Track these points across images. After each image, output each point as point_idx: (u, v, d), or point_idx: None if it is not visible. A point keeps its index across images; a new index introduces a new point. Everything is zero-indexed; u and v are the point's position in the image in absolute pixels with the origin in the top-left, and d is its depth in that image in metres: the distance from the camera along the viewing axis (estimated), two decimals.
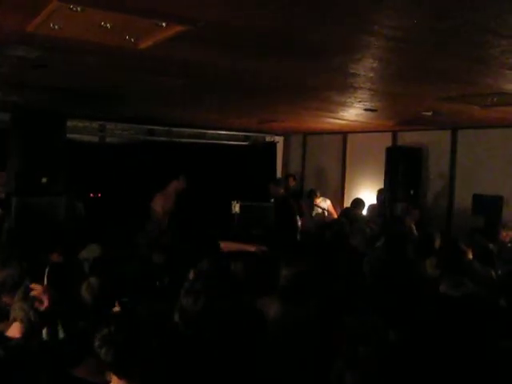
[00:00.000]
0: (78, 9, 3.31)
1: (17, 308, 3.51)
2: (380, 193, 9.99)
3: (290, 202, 9.46)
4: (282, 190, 9.88)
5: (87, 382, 3.06)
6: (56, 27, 3.73)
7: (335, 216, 10.42)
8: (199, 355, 3.23)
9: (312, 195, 10.97)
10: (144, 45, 4.16)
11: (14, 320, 3.46)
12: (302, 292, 4.12)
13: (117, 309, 3.98)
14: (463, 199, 9.56)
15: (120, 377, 2.79)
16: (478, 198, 9.24)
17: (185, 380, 3.10)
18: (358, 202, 9.95)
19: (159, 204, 9.17)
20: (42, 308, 3.51)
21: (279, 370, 3.29)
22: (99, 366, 2.91)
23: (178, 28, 3.69)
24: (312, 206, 10.81)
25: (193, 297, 3.74)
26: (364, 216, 9.76)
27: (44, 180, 7.79)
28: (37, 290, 3.56)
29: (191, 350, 3.30)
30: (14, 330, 3.42)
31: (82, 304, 4.15)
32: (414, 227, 8.34)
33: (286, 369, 3.34)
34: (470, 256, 5.96)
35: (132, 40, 4.05)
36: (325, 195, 11.16)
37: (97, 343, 2.82)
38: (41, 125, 7.87)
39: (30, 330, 3.41)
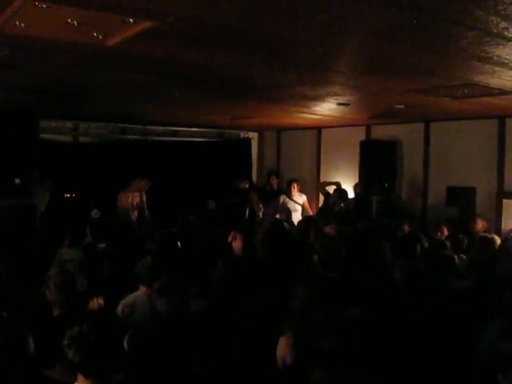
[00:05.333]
0: (44, 5, 3.27)
1: None
2: (357, 187, 10.05)
3: (249, 197, 10.24)
4: (245, 185, 10.85)
5: (60, 383, 3.04)
6: (22, 25, 3.69)
7: (311, 212, 10.43)
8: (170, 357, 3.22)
9: (289, 184, 10.93)
10: (112, 41, 4.13)
11: None
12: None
13: (95, 304, 3.99)
14: (437, 191, 9.66)
15: (87, 377, 2.77)
16: (451, 190, 9.33)
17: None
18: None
19: (124, 201, 9.28)
20: None
21: None
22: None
23: (146, 24, 3.67)
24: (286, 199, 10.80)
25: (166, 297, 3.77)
26: None
27: (17, 181, 7.71)
28: None
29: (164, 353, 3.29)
30: None
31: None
32: None
33: None
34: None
35: (100, 37, 4.01)
36: (300, 190, 11.15)
37: (66, 342, 2.80)
38: (12, 125, 7.78)
39: None
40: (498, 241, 6.48)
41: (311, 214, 10.25)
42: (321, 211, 10.07)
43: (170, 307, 3.77)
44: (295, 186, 10.73)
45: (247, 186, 10.91)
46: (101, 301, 4.37)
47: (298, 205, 10.71)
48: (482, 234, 7.05)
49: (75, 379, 2.85)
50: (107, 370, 2.80)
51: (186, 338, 3.36)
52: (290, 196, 10.61)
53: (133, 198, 9.32)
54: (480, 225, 7.84)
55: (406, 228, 7.79)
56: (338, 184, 10.72)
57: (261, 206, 10.42)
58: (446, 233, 7.58)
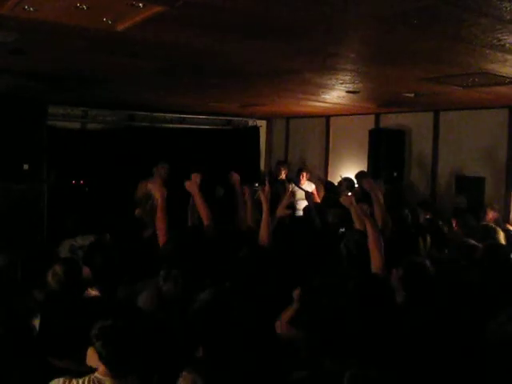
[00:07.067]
0: None
1: None
2: (358, 177, 9.88)
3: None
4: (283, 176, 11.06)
5: (70, 371, 3.02)
6: (31, 9, 3.66)
7: (318, 201, 10.40)
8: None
9: (299, 172, 10.98)
10: (122, 26, 4.10)
11: None
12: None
13: (93, 292, 3.97)
14: (446, 180, 9.63)
15: (111, 371, 2.75)
16: (460, 179, 9.30)
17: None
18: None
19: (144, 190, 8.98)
20: None
21: None
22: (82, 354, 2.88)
23: (156, 8, 3.64)
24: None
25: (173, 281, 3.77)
26: None
27: (26, 167, 7.74)
28: None
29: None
30: None
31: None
32: None
33: None
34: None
35: (109, 22, 3.99)
36: (309, 179, 11.15)
37: (95, 332, 2.78)
38: (21, 111, 7.81)
39: None
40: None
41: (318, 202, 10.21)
42: (325, 200, 10.02)
43: (176, 291, 3.78)
44: (304, 174, 10.79)
45: (284, 176, 11.04)
46: (94, 292, 4.35)
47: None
48: (485, 223, 7.03)
49: (84, 368, 2.83)
50: (131, 367, 2.79)
51: (192, 323, 3.34)
52: (298, 184, 10.65)
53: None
54: (490, 215, 7.80)
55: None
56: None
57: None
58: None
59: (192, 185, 5.65)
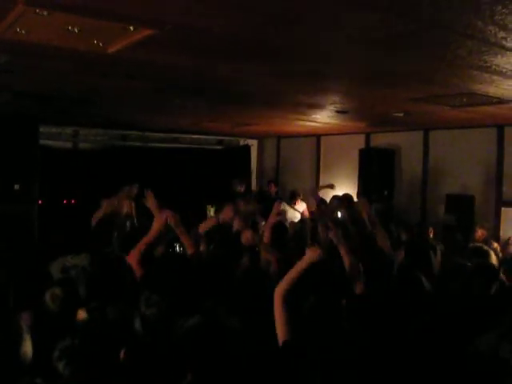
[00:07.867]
0: (45, 13, 3.29)
1: None
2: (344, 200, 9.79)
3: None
4: (241, 189, 10.79)
5: None
6: (23, 32, 3.71)
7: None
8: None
9: (294, 196, 11.00)
10: (113, 49, 4.15)
11: None
12: None
13: (82, 314, 3.94)
14: (436, 199, 9.65)
15: None
16: (450, 198, 9.33)
17: None
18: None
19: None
20: None
21: None
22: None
23: (146, 32, 3.69)
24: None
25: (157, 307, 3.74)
26: None
27: (17, 187, 7.73)
28: None
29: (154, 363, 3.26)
30: None
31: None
32: None
33: None
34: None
35: (100, 44, 4.04)
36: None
37: (57, 354, 2.71)
38: (12, 130, 7.82)
39: None
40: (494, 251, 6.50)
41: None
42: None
43: (159, 314, 3.76)
44: (298, 201, 10.84)
45: (243, 190, 10.99)
46: (83, 313, 4.30)
47: (297, 212, 10.76)
48: (473, 245, 7.05)
49: None
50: None
51: (179, 347, 3.31)
52: (291, 205, 10.71)
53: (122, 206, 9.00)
54: (480, 233, 7.82)
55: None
56: (332, 186, 10.94)
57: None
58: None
59: (173, 217, 5.42)
